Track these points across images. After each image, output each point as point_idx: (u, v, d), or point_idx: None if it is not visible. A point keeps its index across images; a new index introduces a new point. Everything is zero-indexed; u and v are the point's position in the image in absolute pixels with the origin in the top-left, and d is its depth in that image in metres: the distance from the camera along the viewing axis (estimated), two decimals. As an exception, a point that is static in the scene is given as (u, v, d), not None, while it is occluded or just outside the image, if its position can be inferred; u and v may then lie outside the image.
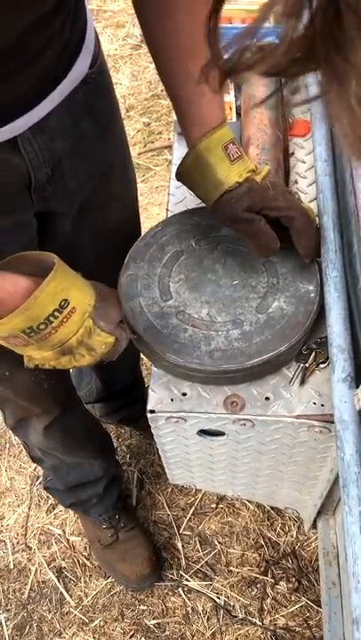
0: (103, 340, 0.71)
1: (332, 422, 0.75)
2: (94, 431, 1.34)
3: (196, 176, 0.80)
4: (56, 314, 0.66)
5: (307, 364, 0.83)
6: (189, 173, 0.81)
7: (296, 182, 1.01)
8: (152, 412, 0.82)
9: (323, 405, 0.79)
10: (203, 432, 0.87)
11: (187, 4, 0.69)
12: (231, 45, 0.32)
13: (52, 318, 0.66)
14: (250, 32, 0.31)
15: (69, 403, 1.18)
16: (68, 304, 0.66)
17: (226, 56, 0.33)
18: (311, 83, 0.74)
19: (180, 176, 0.84)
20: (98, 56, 0.84)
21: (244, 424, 0.81)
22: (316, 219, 0.86)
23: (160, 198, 2.13)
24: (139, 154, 2.26)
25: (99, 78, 0.84)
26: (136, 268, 0.87)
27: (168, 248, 0.89)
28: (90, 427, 1.32)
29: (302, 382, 0.82)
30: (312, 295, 0.81)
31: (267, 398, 0.81)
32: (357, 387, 0.70)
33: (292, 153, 1.05)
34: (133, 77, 2.56)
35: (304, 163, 1.04)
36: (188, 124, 0.79)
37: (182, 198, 1.03)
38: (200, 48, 0.74)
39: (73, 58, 0.78)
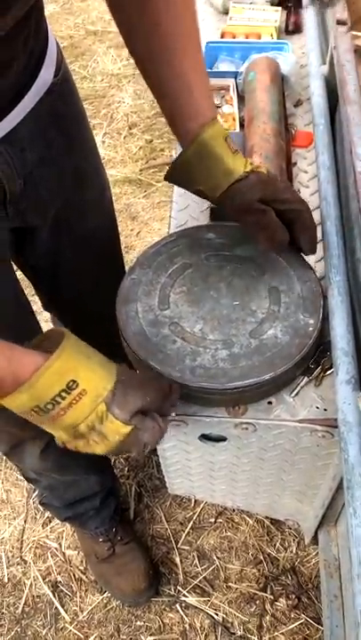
0: (116, 430, 0.64)
1: (336, 427, 0.74)
2: None
3: (199, 168, 0.78)
4: (63, 394, 0.61)
5: (310, 377, 0.82)
6: (190, 166, 0.79)
7: (299, 191, 1.02)
8: (154, 414, 0.81)
9: (326, 410, 0.79)
10: (204, 437, 0.86)
11: None
12: None
13: (58, 399, 0.61)
14: None
15: None
16: (77, 385, 0.62)
17: None
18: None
19: (176, 172, 0.81)
20: (61, 65, 0.84)
21: (246, 428, 0.80)
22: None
23: (162, 213, 2.15)
24: (140, 170, 2.28)
25: (63, 87, 0.85)
26: (141, 274, 0.87)
27: (177, 259, 0.88)
28: None
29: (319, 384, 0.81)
30: (310, 329, 0.79)
31: (269, 402, 0.80)
32: (361, 389, 0.70)
33: (295, 163, 1.06)
34: (136, 96, 2.60)
35: (306, 173, 1.05)
36: (184, 120, 0.77)
37: (185, 206, 1.03)
38: (185, 40, 0.75)
39: (37, 67, 0.78)
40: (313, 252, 0.83)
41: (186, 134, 0.78)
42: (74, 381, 0.61)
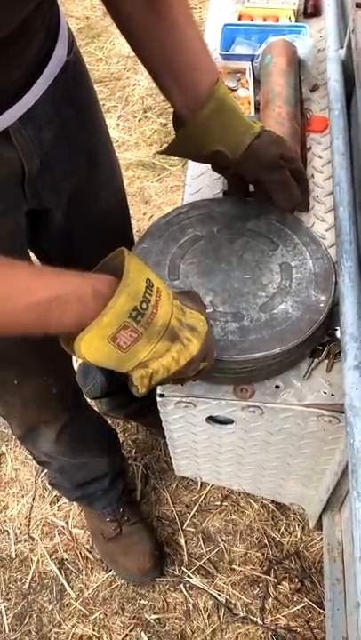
0: (198, 317, 0.67)
1: (342, 412, 0.75)
2: (101, 431, 1.34)
3: (219, 124, 0.76)
4: (149, 291, 0.63)
5: (318, 359, 0.82)
6: (209, 124, 0.76)
7: (313, 176, 1.01)
8: (162, 395, 0.82)
9: (333, 395, 0.79)
10: (211, 419, 0.87)
11: None
12: None
13: (147, 295, 0.62)
14: None
15: (77, 406, 1.17)
16: (153, 284, 0.64)
17: None
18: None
19: (189, 137, 0.78)
20: (72, 45, 0.84)
21: (254, 411, 0.81)
22: None
23: (174, 198, 2.14)
24: (155, 154, 2.28)
25: (76, 66, 0.85)
26: (151, 243, 0.87)
27: (189, 230, 0.88)
28: (98, 427, 1.32)
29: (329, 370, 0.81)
30: (321, 305, 0.79)
31: (277, 386, 0.81)
32: (369, 374, 0.70)
33: (310, 148, 1.06)
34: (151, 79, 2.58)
35: (321, 158, 1.04)
36: (196, 77, 0.76)
37: (198, 189, 1.03)
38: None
39: (53, 44, 0.78)
40: (307, 208, 0.90)
41: (196, 90, 0.76)
42: (149, 280, 0.63)
